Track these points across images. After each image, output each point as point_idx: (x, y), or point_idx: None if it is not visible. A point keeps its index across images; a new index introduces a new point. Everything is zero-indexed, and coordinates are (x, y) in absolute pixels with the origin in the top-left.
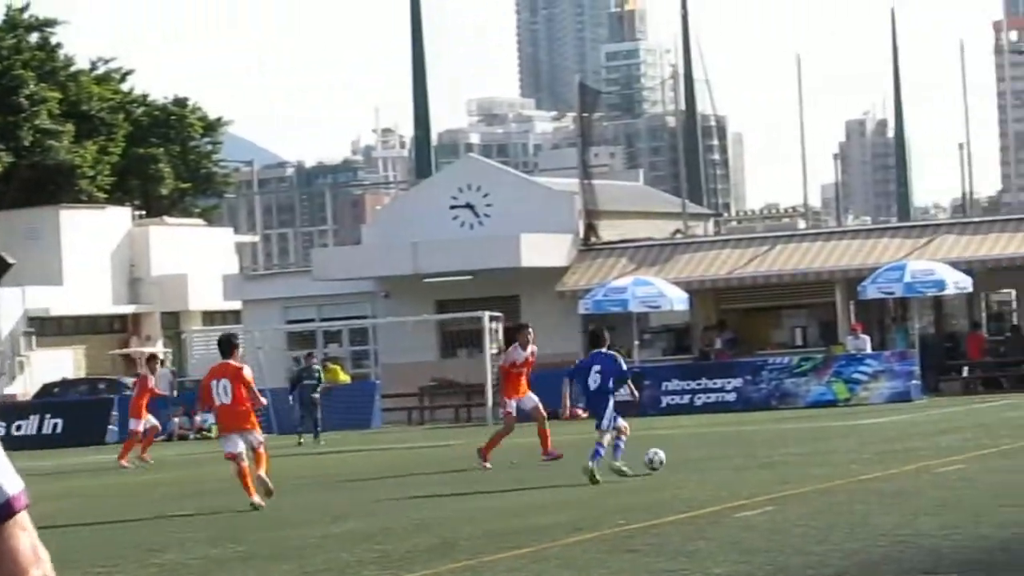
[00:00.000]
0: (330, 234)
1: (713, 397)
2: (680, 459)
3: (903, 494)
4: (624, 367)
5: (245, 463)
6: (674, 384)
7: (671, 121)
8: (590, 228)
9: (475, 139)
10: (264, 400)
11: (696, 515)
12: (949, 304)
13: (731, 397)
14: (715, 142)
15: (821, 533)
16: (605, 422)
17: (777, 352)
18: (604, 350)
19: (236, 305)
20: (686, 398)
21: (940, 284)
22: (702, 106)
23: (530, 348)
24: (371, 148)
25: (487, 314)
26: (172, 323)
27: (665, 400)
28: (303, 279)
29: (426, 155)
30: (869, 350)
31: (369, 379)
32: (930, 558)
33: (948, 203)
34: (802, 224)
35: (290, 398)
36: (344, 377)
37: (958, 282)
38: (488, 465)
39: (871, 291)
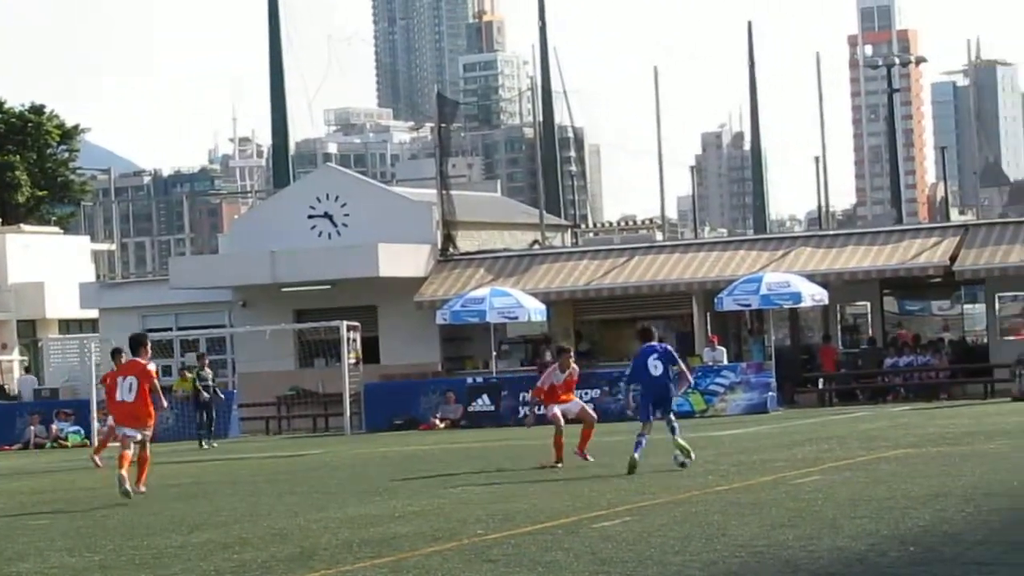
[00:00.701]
0: (187, 242)
1: None
2: (536, 469)
3: (760, 505)
4: (675, 352)
5: (130, 452)
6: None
7: (529, 132)
8: (448, 238)
9: (333, 149)
10: (167, 403)
11: (554, 525)
12: (805, 316)
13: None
14: (572, 153)
15: (679, 543)
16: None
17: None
18: (655, 343)
19: (93, 313)
20: (542, 408)
21: (796, 296)
22: (560, 117)
23: (568, 371)
24: (228, 157)
25: (345, 323)
26: (28, 331)
27: (522, 410)
28: (160, 287)
29: (284, 164)
30: (725, 362)
31: (226, 388)
32: (787, 569)
33: (804, 216)
34: (659, 236)
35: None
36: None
37: (814, 295)
38: (590, 458)
39: (727, 303)
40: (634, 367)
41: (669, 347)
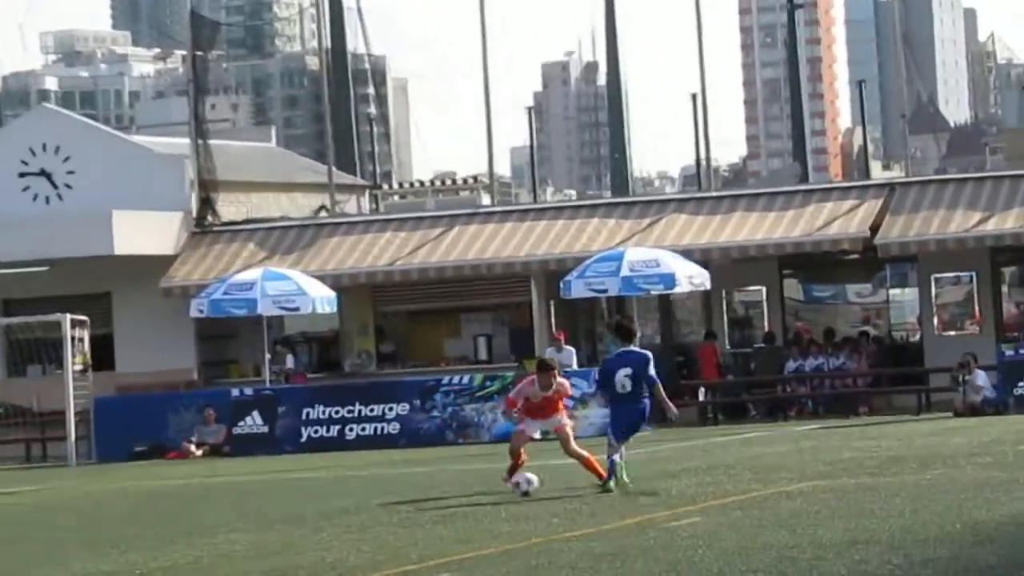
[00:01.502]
0: None
1: (369, 428)
2: (326, 511)
3: (621, 556)
4: (652, 371)
5: None
6: (318, 412)
7: (312, 62)
8: (205, 203)
9: (51, 84)
10: None
11: None
12: (681, 306)
13: (393, 428)
14: (371, 91)
15: None
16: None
17: (454, 369)
18: (634, 347)
19: None
20: (333, 430)
21: (668, 280)
22: (353, 43)
23: (552, 388)
24: None
25: (69, 317)
26: None
27: (306, 432)
28: None
29: None
30: (576, 367)
31: None
32: None
33: (678, 173)
34: (486, 199)
35: None
36: None
37: (692, 276)
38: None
39: (577, 288)
40: (602, 372)
41: (651, 357)
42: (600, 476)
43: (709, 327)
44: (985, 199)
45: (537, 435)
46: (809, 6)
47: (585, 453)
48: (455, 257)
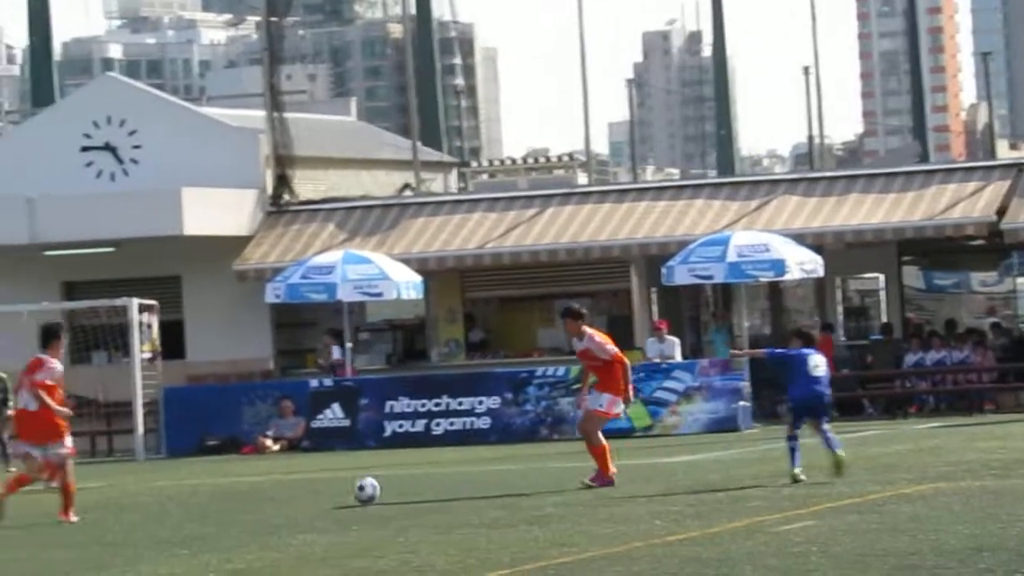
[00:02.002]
0: None
1: (458, 423)
2: (411, 511)
3: (728, 563)
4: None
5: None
6: (402, 404)
7: (395, 30)
8: (281, 181)
9: (116, 52)
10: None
11: None
12: (792, 295)
13: (483, 423)
14: (458, 61)
15: None
16: None
17: (548, 360)
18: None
19: None
20: (419, 424)
21: (778, 266)
22: (439, 10)
23: (587, 338)
24: None
25: (136, 301)
26: None
27: (390, 427)
28: None
29: (45, 74)
30: (679, 358)
31: None
32: None
33: (789, 152)
34: (582, 178)
35: None
36: None
37: (803, 263)
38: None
39: (681, 274)
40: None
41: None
42: (604, 473)
43: (823, 317)
44: None
45: (602, 407)
46: None
47: (603, 443)
48: (549, 240)
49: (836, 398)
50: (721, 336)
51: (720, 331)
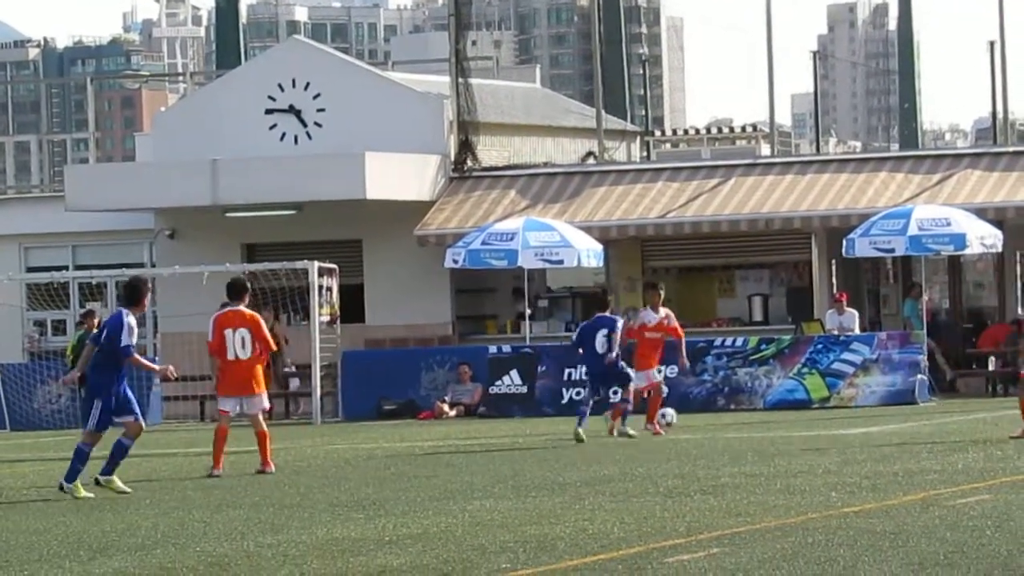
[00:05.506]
0: (91, 144)
1: None
2: (589, 478)
3: (903, 535)
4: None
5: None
6: (580, 372)
7: None
8: (465, 146)
9: (301, 15)
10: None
11: (609, 558)
12: (971, 268)
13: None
14: (643, 30)
15: None
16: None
17: (727, 331)
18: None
19: None
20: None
21: (959, 240)
22: None
23: (663, 312)
24: (151, 24)
25: (316, 265)
26: None
27: (567, 394)
28: (52, 208)
29: (231, 36)
30: (857, 330)
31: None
32: None
33: (971, 126)
34: (765, 149)
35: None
36: None
37: (984, 237)
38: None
39: (862, 246)
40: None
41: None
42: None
43: (1001, 292)
44: None
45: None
46: None
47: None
48: (731, 211)
49: (1001, 373)
50: (911, 307)
51: (909, 303)
